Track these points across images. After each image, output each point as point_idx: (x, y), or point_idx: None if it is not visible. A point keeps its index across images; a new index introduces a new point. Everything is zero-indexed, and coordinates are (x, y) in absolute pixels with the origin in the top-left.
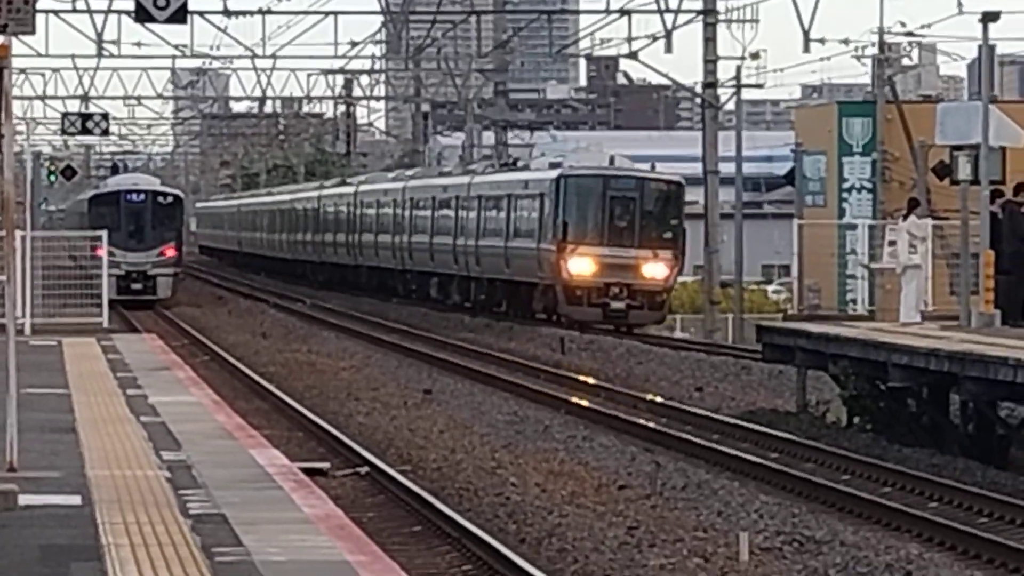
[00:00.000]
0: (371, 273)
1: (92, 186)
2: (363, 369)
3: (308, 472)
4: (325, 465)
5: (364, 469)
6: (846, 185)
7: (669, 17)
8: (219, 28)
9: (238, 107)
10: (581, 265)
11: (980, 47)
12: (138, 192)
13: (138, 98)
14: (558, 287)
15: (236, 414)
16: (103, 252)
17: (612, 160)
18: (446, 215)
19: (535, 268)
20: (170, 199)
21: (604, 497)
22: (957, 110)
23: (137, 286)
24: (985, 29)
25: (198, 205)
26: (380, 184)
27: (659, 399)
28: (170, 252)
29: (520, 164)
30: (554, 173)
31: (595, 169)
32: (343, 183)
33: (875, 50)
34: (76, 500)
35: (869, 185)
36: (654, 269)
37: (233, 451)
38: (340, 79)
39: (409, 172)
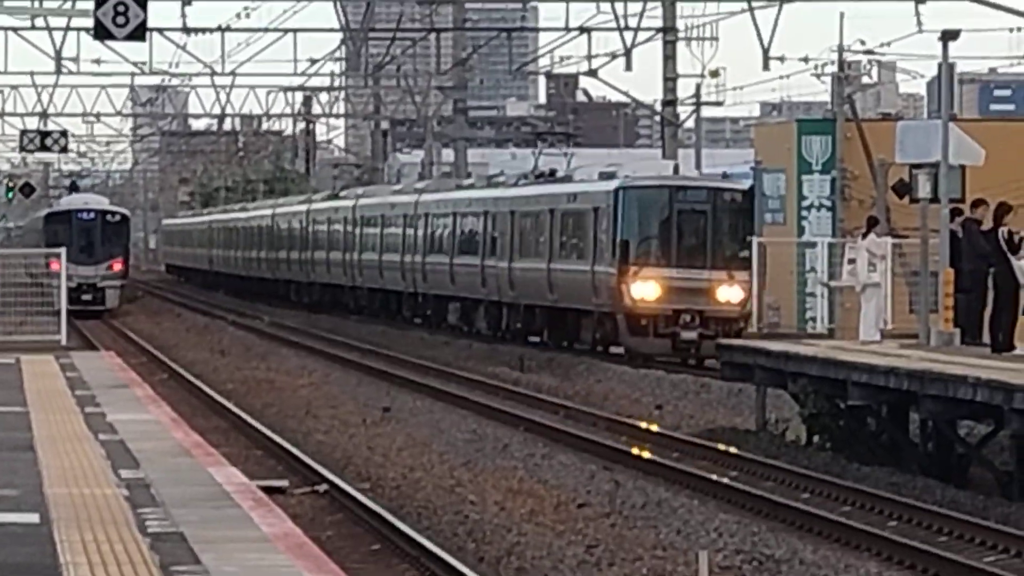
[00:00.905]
0: (372, 295)
1: (47, 204)
2: (322, 386)
3: (267, 490)
4: (284, 483)
5: (323, 487)
6: (805, 203)
7: (629, 35)
8: (178, 45)
9: (197, 124)
10: (646, 290)
11: (940, 65)
12: (88, 211)
13: (97, 115)
14: (619, 315)
15: (194, 432)
16: (60, 267)
17: (676, 169)
18: (471, 232)
19: (588, 293)
20: (118, 217)
21: (563, 515)
22: (917, 128)
23: (87, 297)
24: (945, 47)
25: (164, 222)
26: (384, 198)
27: (618, 417)
28: (117, 266)
29: (559, 175)
30: (611, 184)
31: (659, 179)
32: (336, 197)
33: (834, 68)
34: (34, 518)
35: (828, 203)
36: (729, 293)
37: (191, 469)
38: (299, 96)
39: (420, 184)
